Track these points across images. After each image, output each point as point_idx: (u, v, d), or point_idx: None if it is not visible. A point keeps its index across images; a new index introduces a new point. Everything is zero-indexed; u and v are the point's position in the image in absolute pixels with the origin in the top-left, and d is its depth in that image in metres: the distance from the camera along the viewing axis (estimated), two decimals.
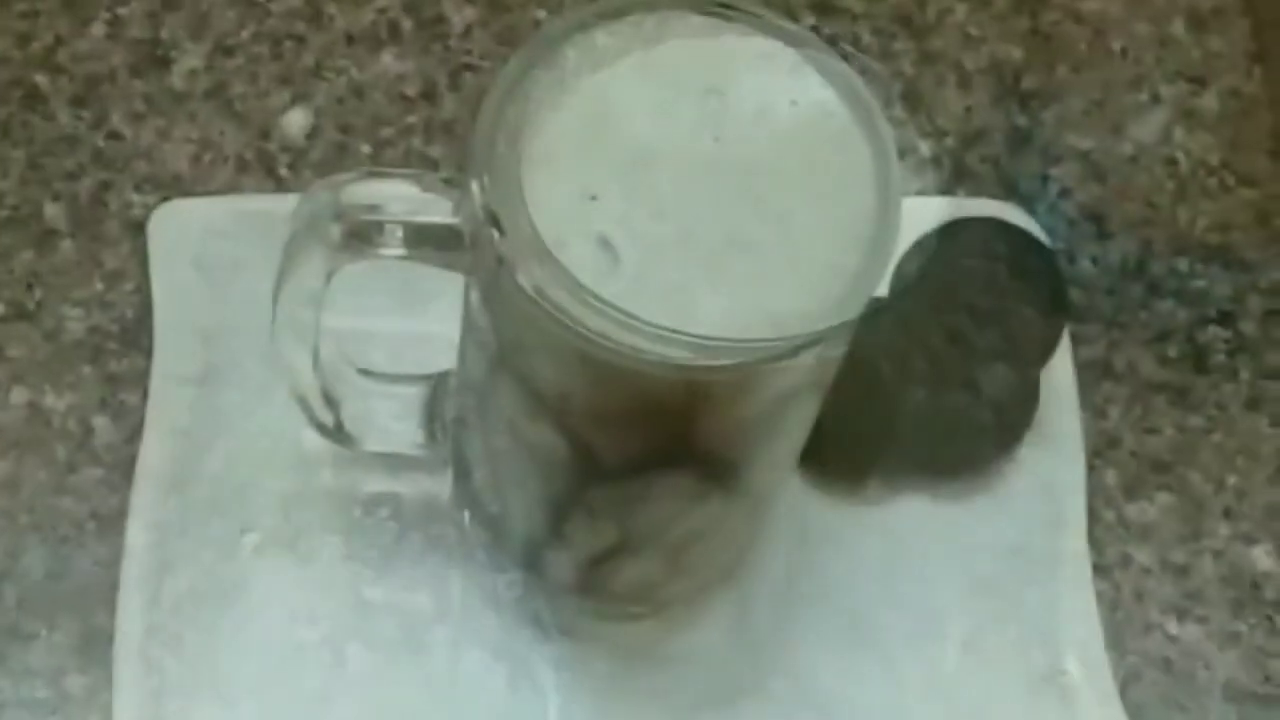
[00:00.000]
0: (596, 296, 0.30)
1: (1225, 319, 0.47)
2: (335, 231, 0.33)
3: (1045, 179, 0.48)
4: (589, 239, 0.31)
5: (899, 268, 0.42)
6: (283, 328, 0.35)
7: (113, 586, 0.40)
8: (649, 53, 0.32)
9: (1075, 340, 0.45)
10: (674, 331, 0.30)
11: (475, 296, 0.33)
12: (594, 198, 0.31)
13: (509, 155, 0.31)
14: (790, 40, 0.33)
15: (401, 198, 0.33)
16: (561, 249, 0.31)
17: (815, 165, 0.31)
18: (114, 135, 0.47)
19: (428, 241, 0.33)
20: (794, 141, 0.32)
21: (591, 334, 0.30)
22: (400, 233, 0.33)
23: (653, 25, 0.33)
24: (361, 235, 0.33)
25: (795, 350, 0.30)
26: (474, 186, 0.31)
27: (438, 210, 0.33)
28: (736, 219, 0.31)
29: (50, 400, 0.43)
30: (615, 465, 0.34)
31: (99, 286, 0.45)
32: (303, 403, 0.38)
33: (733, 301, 0.30)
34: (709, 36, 0.33)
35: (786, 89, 0.32)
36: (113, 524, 0.41)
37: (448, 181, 0.33)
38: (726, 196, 0.31)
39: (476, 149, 0.31)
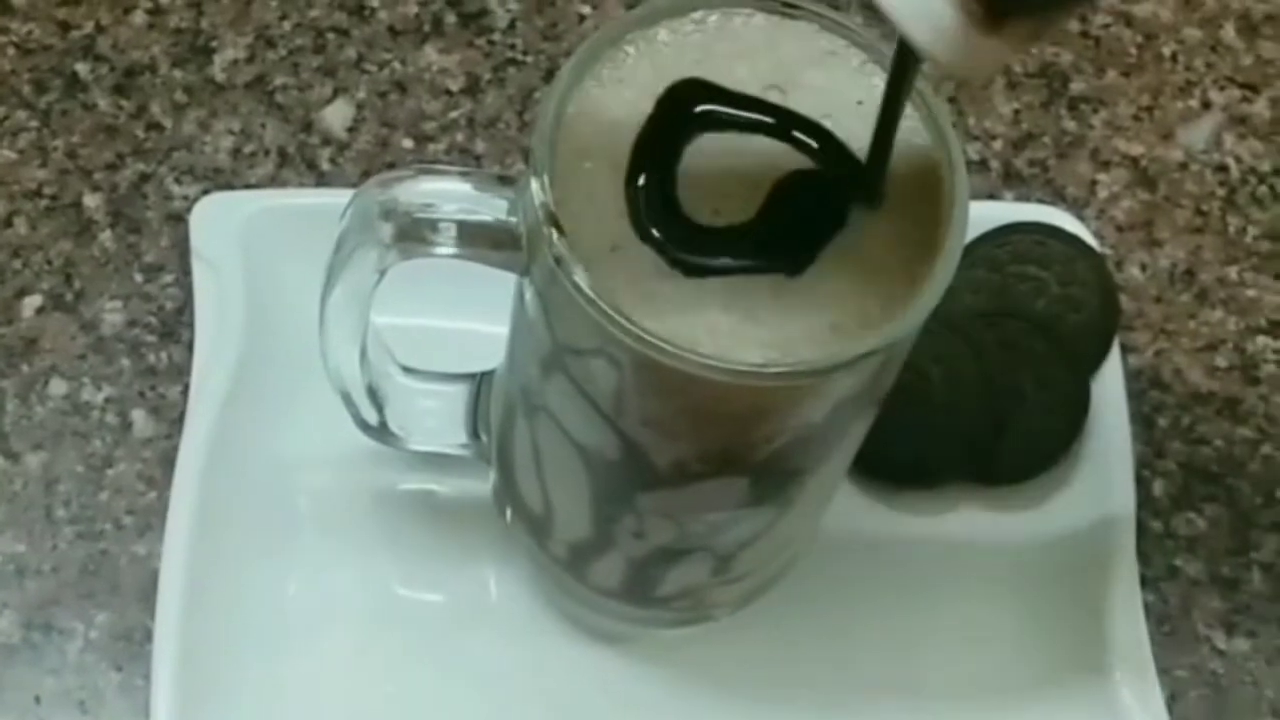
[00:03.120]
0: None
1: (1275, 329, 0.46)
2: (387, 230, 0.33)
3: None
4: (650, 239, 0.30)
5: None
6: (331, 326, 0.35)
7: (150, 582, 0.40)
8: (711, 50, 0.32)
9: (1123, 349, 0.44)
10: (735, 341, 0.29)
11: (529, 296, 0.33)
12: None
13: (569, 154, 0.31)
14: (855, 40, 0.32)
15: (454, 196, 0.33)
16: (621, 250, 0.30)
17: None
18: (154, 126, 0.46)
19: (481, 241, 0.33)
20: (859, 143, 0.31)
21: (651, 338, 0.29)
22: (454, 232, 0.33)
23: (715, 22, 0.32)
24: (414, 234, 0.33)
25: (859, 360, 0.30)
26: (533, 185, 0.30)
27: (492, 209, 0.32)
28: (803, 223, 0.30)
29: (88, 393, 0.43)
30: (668, 470, 0.33)
31: (138, 278, 0.44)
32: (347, 401, 0.38)
33: (796, 308, 0.30)
34: (772, 33, 0.32)
35: (852, 89, 0.32)
36: (150, 519, 0.41)
37: (501, 180, 0.33)
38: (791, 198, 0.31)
39: (536, 147, 0.31)
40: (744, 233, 0.31)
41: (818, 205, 0.31)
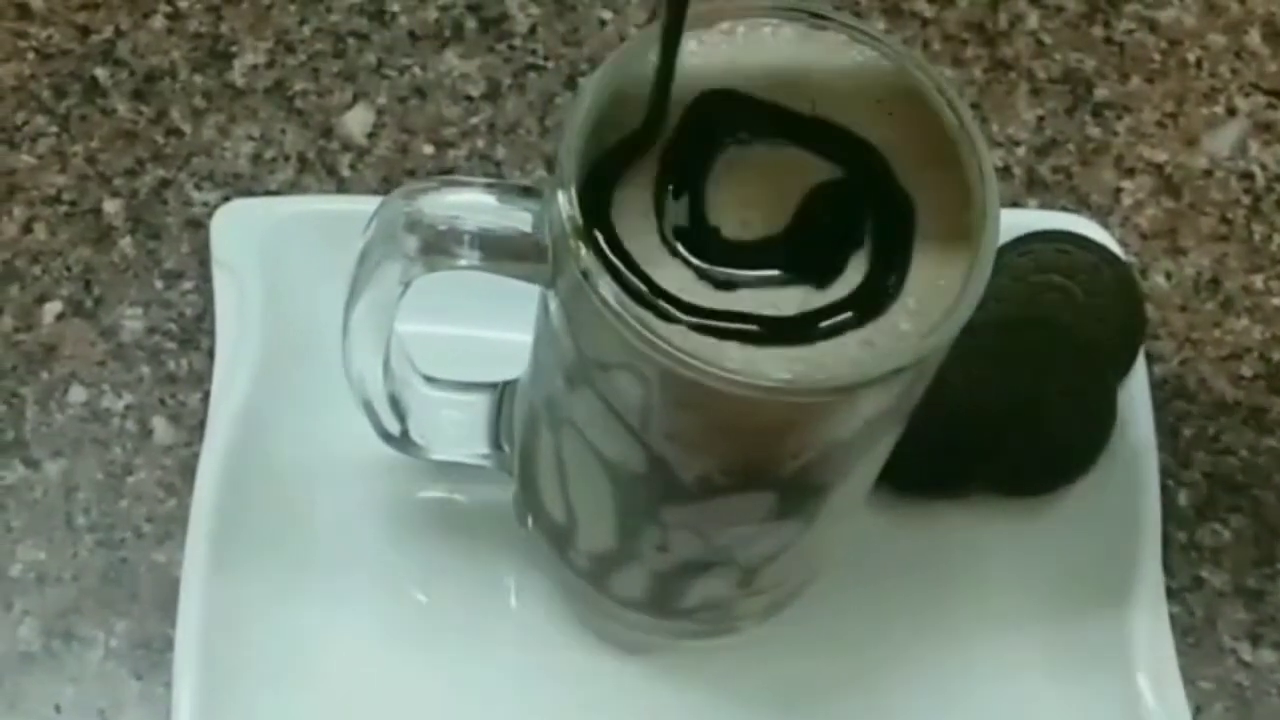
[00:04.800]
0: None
1: None
2: (412, 243, 0.33)
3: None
4: (678, 252, 0.30)
5: None
6: (354, 338, 0.35)
7: (170, 590, 0.39)
8: (739, 60, 0.32)
9: (1147, 358, 0.44)
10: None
11: (554, 308, 0.32)
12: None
13: (595, 166, 0.31)
14: (885, 52, 0.32)
15: (479, 208, 0.33)
16: (650, 263, 0.30)
17: (914, 181, 0.31)
18: (174, 131, 0.46)
19: (506, 253, 0.32)
20: (891, 153, 0.31)
21: (678, 352, 0.29)
22: (479, 244, 0.32)
23: (743, 33, 0.32)
24: (439, 247, 0.32)
25: (889, 376, 0.29)
26: (560, 198, 0.30)
27: (517, 221, 0.32)
28: (832, 234, 0.30)
29: (108, 400, 0.42)
30: (693, 484, 0.33)
31: (158, 285, 0.44)
32: (369, 410, 0.37)
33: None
34: (800, 44, 0.32)
35: (882, 100, 0.31)
36: (170, 527, 0.41)
37: (526, 191, 0.33)
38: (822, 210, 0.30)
39: (563, 160, 0.30)
40: (773, 245, 0.30)
41: (847, 217, 0.31)
